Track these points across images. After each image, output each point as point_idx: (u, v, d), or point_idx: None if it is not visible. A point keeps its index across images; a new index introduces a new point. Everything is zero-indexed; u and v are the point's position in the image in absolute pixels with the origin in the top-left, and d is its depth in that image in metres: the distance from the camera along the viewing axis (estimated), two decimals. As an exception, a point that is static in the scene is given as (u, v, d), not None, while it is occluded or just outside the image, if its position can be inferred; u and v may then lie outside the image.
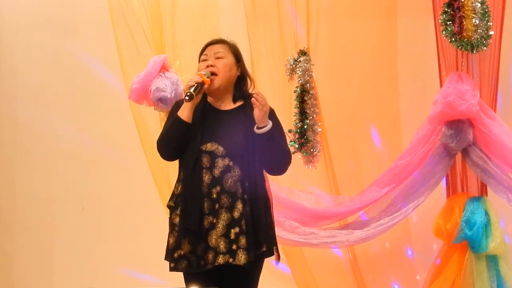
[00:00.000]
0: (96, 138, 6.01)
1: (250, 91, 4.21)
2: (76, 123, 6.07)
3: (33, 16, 6.14)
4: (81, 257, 6.03)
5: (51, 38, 6.10)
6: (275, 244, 4.11)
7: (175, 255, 4.01)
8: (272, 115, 4.08)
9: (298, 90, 5.24)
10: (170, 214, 4.11)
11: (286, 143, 4.14)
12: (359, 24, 5.43)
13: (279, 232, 5.07)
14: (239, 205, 3.94)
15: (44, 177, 6.13)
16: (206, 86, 4.02)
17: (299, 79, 5.25)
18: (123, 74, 5.44)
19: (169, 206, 4.12)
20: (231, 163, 3.97)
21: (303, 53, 5.28)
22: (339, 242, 5.12)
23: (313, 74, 5.27)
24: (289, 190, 5.25)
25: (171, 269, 4.04)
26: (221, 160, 3.97)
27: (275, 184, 5.24)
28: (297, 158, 5.21)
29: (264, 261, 4.11)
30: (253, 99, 3.95)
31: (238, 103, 4.13)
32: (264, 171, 4.11)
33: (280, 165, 4.09)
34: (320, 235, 5.09)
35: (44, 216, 6.12)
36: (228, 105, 4.12)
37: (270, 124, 3.96)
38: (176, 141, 4.04)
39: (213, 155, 3.98)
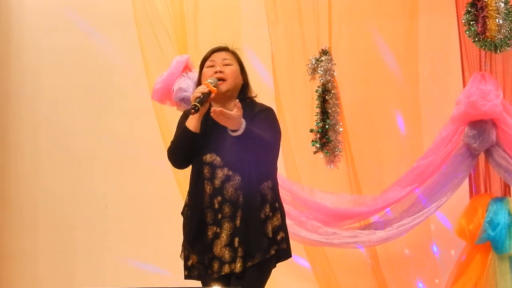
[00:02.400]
0: (119, 138, 6.04)
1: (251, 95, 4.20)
2: (99, 123, 6.10)
3: (55, 17, 6.17)
4: (103, 256, 6.07)
5: (74, 39, 6.13)
6: (281, 245, 4.03)
7: (188, 263, 4.07)
8: (264, 110, 4.05)
9: (320, 89, 5.26)
10: (183, 223, 4.17)
11: (272, 130, 4.01)
12: (380, 23, 5.44)
13: (300, 232, 5.12)
14: (240, 213, 3.95)
15: (67, 177, 6.15)
16: (213, 95, 3.99)
17: (320, 78, 5.26)
18: (146, 74, 5.48)
19: (182, 214, 4.17)
20: (230, 172, 3.97)
21: (324, 52, 5.30)
22: (361, 242, 5.14)
23: (334, 73, 5.28)
24: (311, 190, 5.27)
25: (186, 277, 4.09)
26: (220, 170, 3.98)
27: (297, 185, 5.27)
28: (319, 158, 5.24)
29: (273, 265, 4.08)
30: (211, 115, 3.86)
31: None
32: (272, 177, 4.08)
33: (264, 152, 3.99)
34: (342, 235, 5.12)
35: (66, 215, 6.14)
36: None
37: (242, 128, 3.82)
38: (184, 151, 4.06)
39: (212, 166, 3.99)
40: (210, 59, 4.16)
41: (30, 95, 6.24)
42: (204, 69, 4.15)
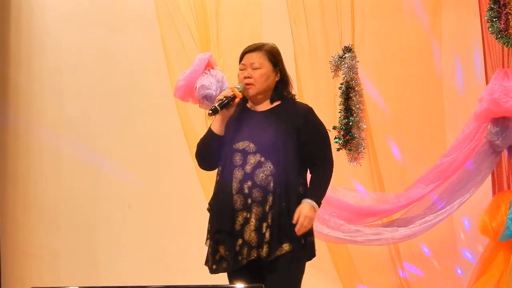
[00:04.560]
0: (141, 136, 6.09)
1: (291, 91, 4.27)
2: (121, 122, 6.15)
3: (79, 15, 6.23)
4: (126, 255, 6.13)
5: (97, 36, 6.18)
6: (307, 241, 4.13)
7: (216, 257, 4.12)
8: (306, 118, 4.16)
9: (343, 87, 5.33)
10: (209, 217, 4.23)
11: (324, 146, 4.20)
12: (403, 20, 5.49)
13: (323, 229, 5.18)
14: (270, 199, 4.02)
15: (90, 175, 6.22)
16: (237, 100, 4.10)
17: (344, 75, 5.33)
18: (169, 71, 5.54)
19: (208, 209, 4.23)
20: (262, 159, 4.05)
21: (348, 49, 5.36)
22: (384, 240, 5.20)
23: (358, 70, 5.34)
24: (334, 187, 5.28)
25: (213, 271, 4.15)
26: (252, 156, 4.06)
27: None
28: (341, 155, 5.29)
29: (303, 259, 4.15)
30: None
31: (275, 103, 4.20)
32: (304, 173, 4.19)
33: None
34: (365, 232, 5.18)
35: (89, 214, 6.21)
36: (265, 107, 4.20)
37: (314, 204, 4.07)
38: (210, 153, 4.18)
39: (244, 153, 4.07)
40: (242, 61, 4.23)
41: (52, 95, 6.29)
42: (239, 71, 4.23)
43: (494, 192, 5.24)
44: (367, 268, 5.42)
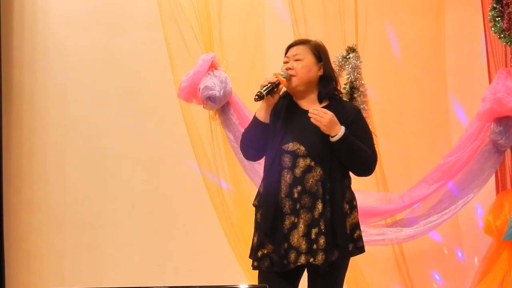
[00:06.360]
0: (145, 136, 6.10)
1: (338, 89, 4.28)
2: (125, 122, 6.15)
3: (82, 16, 6.23)
4: (130, 255, 6.13)
5: (100, 37, 6.18)
6: (356, 246, 4.16)
7: (259, 254, 4.14)
8: (356, 117, 4.15)
9: (347, 87, 5.36)
10: (255, 213, 4.22)
11: (369, 143, 4.16)
12: (407, 20, 5.54)
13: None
14: (319, 205, 4.03)
15: (94, 175, 6.22)
16: (282, 86, 4.11)
17: (348, 76, 5.37)
18: (173, 72, 5.55)
19: (254, 205, 4.24)
20: (312, 163, 4.05)
21: (352, 49, 5.41)
22: (388, 240, 5.25)
23: (362, 71, 5.38)
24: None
25: (254, 268, 4.17)
26: (302, 160, 4.06)
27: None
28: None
29: (349, 260, 4.20)
30: (309, 115, 4.04)
31: (324, 103, 4.19)
32: (349, 175, 4.20)
33: (361, 167, 4.17)
34: (369, 232, 5.20)
35: (93, 214, 6.21)
36: (313, 104, 4.17)
37: (341, 132, 4.02)
38: (255, 141, 4.18)
39: (294, 155, 4.07)
40: (286, 55, 4.25)
41: (56, 96, 6.28)
42: (282, 65, 4.25)
43: (497, 192, 5.29)
44: (371, 268, 5.44)
